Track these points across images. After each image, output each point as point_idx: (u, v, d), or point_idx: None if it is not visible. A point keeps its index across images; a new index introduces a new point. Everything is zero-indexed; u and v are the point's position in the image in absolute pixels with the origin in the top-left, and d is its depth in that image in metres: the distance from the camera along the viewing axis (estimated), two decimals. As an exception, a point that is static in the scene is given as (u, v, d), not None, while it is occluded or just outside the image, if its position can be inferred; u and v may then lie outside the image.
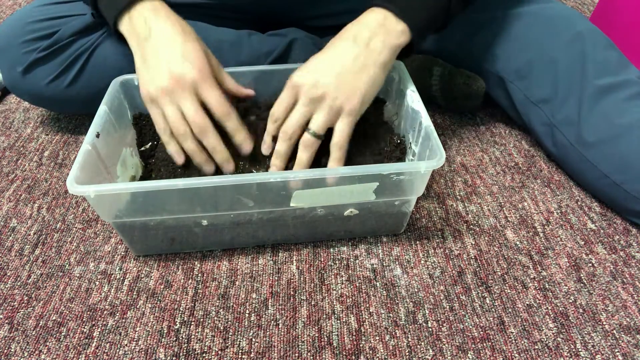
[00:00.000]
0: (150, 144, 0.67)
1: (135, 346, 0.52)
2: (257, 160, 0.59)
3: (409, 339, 0.52)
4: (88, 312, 0.55)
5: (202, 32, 0.73)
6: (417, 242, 0.62)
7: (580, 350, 0.52)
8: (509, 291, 0.57)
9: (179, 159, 0.56)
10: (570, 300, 0.56)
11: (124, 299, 0.56)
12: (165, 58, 0.52)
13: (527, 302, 0.56)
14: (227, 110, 0.53)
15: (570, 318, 0.54)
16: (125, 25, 0.56)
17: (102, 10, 0.59)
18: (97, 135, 0.55)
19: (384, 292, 0.57)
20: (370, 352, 0.51)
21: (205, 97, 0.52)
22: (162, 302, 0.56)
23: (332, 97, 0.52)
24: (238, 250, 0.61)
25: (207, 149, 0.54)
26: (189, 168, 0.57)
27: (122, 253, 0.61)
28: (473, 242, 0.62)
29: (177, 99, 0.52)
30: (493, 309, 0.55)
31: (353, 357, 0.51)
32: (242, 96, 0.59)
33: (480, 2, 0.76)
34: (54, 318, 0.55)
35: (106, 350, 0.52)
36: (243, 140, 0.56)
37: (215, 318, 0.54)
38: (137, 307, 0.56)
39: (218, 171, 0.57)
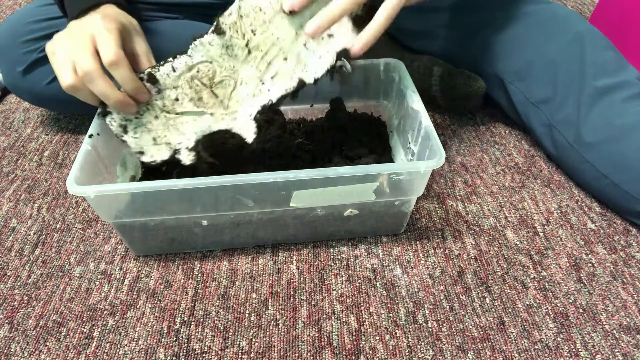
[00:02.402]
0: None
1: (135, 346, 0.52)
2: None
3: (409, 339, 0.52)
4: (88, 312, 0.55)
5: (201, 31, 0.73)
6: (417, 242, 0.62)
7: (580, 350, 0.52)
8: (509, 291, 0.57)
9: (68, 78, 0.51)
10: (570, 300, 0.56)
11: (124, 299, 0.56)
12: (81, 21, 0.52)
13: (527, 302, 0.56)
14: (116, 59, 0.49)
15: (570, 318, 0.54)
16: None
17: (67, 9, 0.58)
18: (90, 136, 0.55)
19: (384, 292, 0.57)
20: (370, 352, 0.51)
21: (99, 43, 0.49)
22: (162, 302, 0.56)
23: None
24: (238, 250, 0.61)
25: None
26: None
27: (122, 253, 0.61)
28: (473, 242, 0.62)
29: (71, 45, 0.50)
30: (493, 309, 0.55)
31: (353, 357, 0.51)
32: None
33: (481, 2, 0.76)
34: (54, 318, 0.55)
35: (106, 350, 0.52)
36: (135, 89, 0.51)
37: (215, 318, 0.54)
38: (137, 307, 0.56)
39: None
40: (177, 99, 0.53)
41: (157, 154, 0.54)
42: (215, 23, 0.51)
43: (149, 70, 0.52)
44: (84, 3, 0.54)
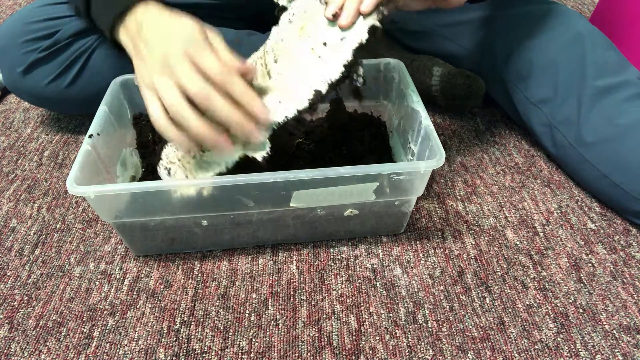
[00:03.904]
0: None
1: (135, 346, 0.52)
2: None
3: (409, 339, 0.52)
4: (88, 312, 0.55)
5: None
6: (417, 242, 0.62)
7: (580, 350, 0.52)
8: (509, 291, 0.57)
9: (184, 143, 0.47)
10: (570, 300, 0.56)
11: (124, 299, 0.56)
12: (155, 39, 0.47)
13: (527, 302, 0.56)
14: (226, 72, 0.45)
15: (570, 318, 0.54)
16: (122, 34, 0.53)
17: (96, 21, 0.57)
18: (90, 136, 0.55)
19: (384, 292, 0.57)
20: (370, 352, 0.51)
21: (199, 62, 0.45)
22: (162, 302, 0.56)
23: None
24: (238, 250, 0.61)
25: (220, 119, 0.46)
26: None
27: (122, 253, 0.61)
28: (473, 242, 0.62)
29: (172, 74, 0.45)
30: (493, 309, 0.55)
31: (353, 357, 0.51)
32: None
33: (481, 2, 0.76)
34: (54, 318, 0.55)
35: (106, 350, 0.52)
36: (256, 105, 0.46)
37: (215, 318, 0.54)
38: (137, 307, 0.56)
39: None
40: None
41: (185, 190, 0.54)
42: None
43: None
44: (118, 6, 0.51)
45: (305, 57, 0.51)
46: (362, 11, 0.48)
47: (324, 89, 0.50)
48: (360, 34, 0.49)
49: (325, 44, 0.50)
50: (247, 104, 0.46)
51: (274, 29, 0.53)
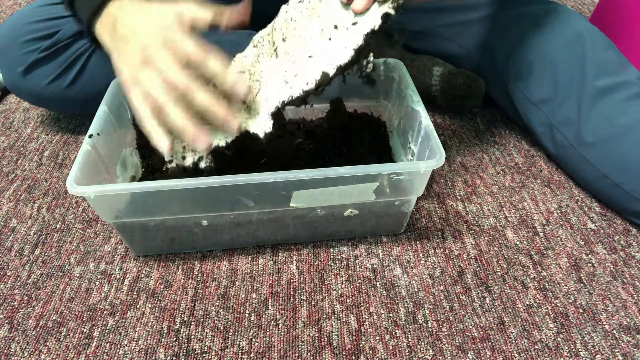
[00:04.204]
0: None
1: (135, 346, 0.52)
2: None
3: (409, 339, 0.52)
4: (88, 312, 0.55)
5: (205, 32, 0.73)
6: (417, 242, 0.62)
7: (580, 350, 0.52)
8: (509, 291, 0.57)
9: (165, 147, 0.47)
10: (570, 300, 0.56)
11: (124, 299, 0.56)
12: (132, 35, 0.47)
13: (527, 302, 0.56)
14: (201, 54, 0.45)
15: (570, 318, 0.54)
16: (99, 31, 0.52)
17: (78, 15, 0.56)
18: (90, 136, 0.55)
19: (384, 292, 0.57)
20: (370, 352, 0.51)
21: (177, 50, 0.46)
22: (162, 302, 0.56)
23: None
24: (238, 250, 0.61)
25: (202, 106, 0.47)
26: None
27: (122, 253, 0.61)
28: (473, 242, 0.62)
29: (157, 69, 0.46)
30: (493, 309, 0.55)
31: (353, 357, 0.51)
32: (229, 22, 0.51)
33: (481, 2, 0.76)
34: (54, 318, 0.55)
35: (106, 350, 0.52)
36: (233, 81, 0.47)
37: (215, 318, 0.54)
38: (137, 307, 0.56)
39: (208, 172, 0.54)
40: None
41: (183, 161, 0.56)
42: (252, 40, 0.55)
43: None
44: (92, 2, 0.51)
45: (315, 38, 0.50)
46: None
47: (331, 71, 0.49)
48: (373, 19, 0.48)
49: (336, 26, 0.50)
50: (217, 76, 0.47)
51: (284, 7, 0.53)
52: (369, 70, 0.50)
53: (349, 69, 0.49)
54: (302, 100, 0.50)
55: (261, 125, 0.52)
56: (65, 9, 0.57)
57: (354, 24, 0.49)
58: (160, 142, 0.47)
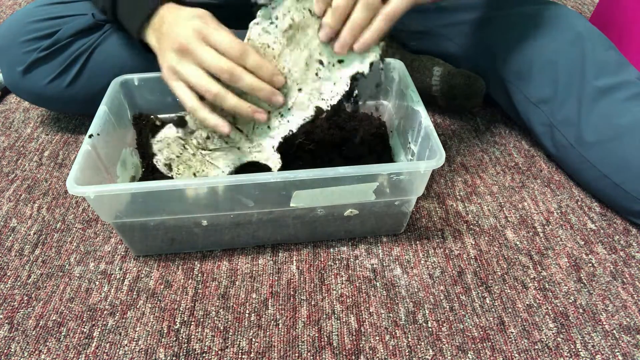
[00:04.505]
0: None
1: (135, 346, 0.52)
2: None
3: (409, 339, 0.52)
4: (88, 312, 0.55)
5: None
6: (417, 242, 0.62)
7: (580, 350, 0.52)
8: (509, 291, 0.57)
9: (225, 128, 0.49)
10: (570, 300, 0.56)
11: (124, 299, 0.56)
12: (173, 29, 0.50)
13: (527, 302, 0.56)
14: (241, 48, 0.47)
15: (570, 318, 0.54)
16: (149, 35, 0.55)
17: (122, 23, 0.59)
18: (90, 136, 0.55)
19: (384, 292, 0.57)
20: (370, 352, 0.51)
21: (214, 42, 0.47)
22: (162, 302, 0.56)
23: None
24: (238, 250, 0.61)
25: (247, 90, 0.48)
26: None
27: (122, 253, 0.61)
28: (473, 242, 0.62)
29: (193, 58, 0.48)
30: (493, 309, 0.55)
31: (353, 357, 0.51)
32: None
33: (481, 2, 0.76)
34: (54, 318, 0.55)
35: (106, 350, 0.52)
36: (271, 73, 0.48)
37: (215, 318, 0.54)
38: (137, 307, 0.56)
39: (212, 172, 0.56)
40: (208, 137, 0.55)
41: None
42: None
43: (181, 114, 0.57)
44: (145, 9, 0.53)
45: (300, 71, 0.51)
46: (355, 49, 0.48)
47: (325, 107, 0.52)
48: (359, 64, 0.49)
49: (321, 62, 0.50)
50: (259, 70, 0.48)
51: (254, 27, 0.50)
52: (357, 100, 0.52)
53: (341, 102, 0.52)
54: (298, 132, 0.53)
55: (271, 159, 0.54)
56: (108, 18, 0.60)
57: (340, 61, 0.50)
58: (219, 126, 0.49)
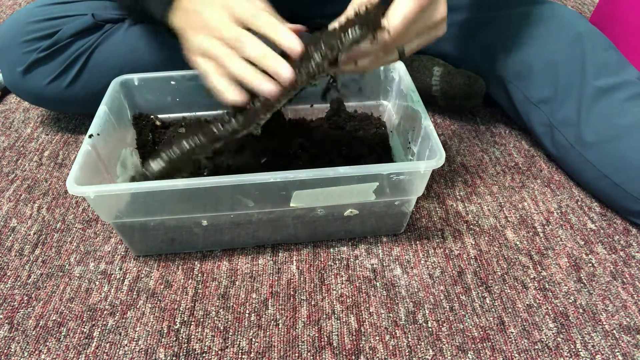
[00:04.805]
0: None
1: (135, 346, 0.52)
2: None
3: (409, 339, 0.52)
4: (88, 312, 0.55)
5: None
6: (417, 242, 0.62)
7: (580, 350, 0.52)
8: (509, 291, 0.57)
9: (234, 94, 0.46)
10: (570, 300, 0.56)
11: (124, 299, 0.56)
12: (199, 6, 0.49)
13: (527, 302, 0.56)
14: (254, 12, 0.46)
15: (570, 318, 0.54)
16: (175, 18, 0.53)
17: (147, 8, 0.57)
18: (90, 136, 0.55)
19: (384, 292, 0.57)
20: (370, 352, 0.51)
21: (233, 10, 0.46)
22: (162, 302, 0.56)
23: None
24: (238, 250, 0.61)
25: (255, 59, 0.46)
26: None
27: (122, 253, 0.61)
28: (473, 242, 0.62)
29: (210, 30, 0.47)
30: (493, 309, 0.55)
31: (353, 357, 0.51)
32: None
33: (481, 2, 0.76)
34: (54, 318, 0.55)
35: (106, 350, 0.52)
36: (281, 35, 0.45)
37: (215, 318, 0.54)
38: (137, 307, 0.56)
39: (217, 172, 0.55)
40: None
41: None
42: None
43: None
44: None
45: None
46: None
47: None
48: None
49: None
50: (272, 32, 0.45)
51: None
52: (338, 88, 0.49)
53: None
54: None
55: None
56: (130, 5, 0.59)
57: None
58: (230, 95, 0.46)
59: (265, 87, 0.45)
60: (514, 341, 0.52)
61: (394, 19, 0.44)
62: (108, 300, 0.56)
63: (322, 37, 0.45)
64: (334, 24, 0.46)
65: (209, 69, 0.48)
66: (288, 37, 0.45)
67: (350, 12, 0.46)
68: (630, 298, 0.56)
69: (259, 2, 0.48)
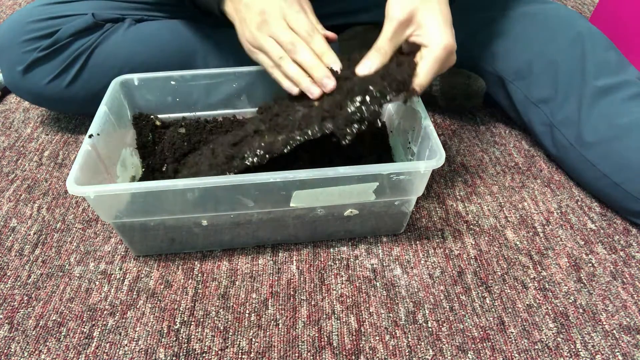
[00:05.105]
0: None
1: (135, 346, 0.52)
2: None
3: (409, 339, 0.52)
4: (88, 312, 0.55)
5: (205, 33, 0.73)
6: (417, 242, 0.62)
7: (580, 350, 0.52)
8: (509, 291, 0.57)
9: (293, 88, 0.55)
10: (570, 300, 0.56)
11: (124, 299, 0.56)
12: (254, 2, 0.55)
13: (527, 302, 0.56)
14: (309, 31, 0.54)
15: (570, 318, 0.54)
16: (228, 6, 0.59)
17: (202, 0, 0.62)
18: (90, 136, 0.55)
19: (384, 292, 0.57)
20: (370, 352, 0.51)
21: (290, 21, 0.54)
22: (162, 302, 0.56)
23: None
24: (238, 250, 0.61)
25: (305, 68, 0.54)
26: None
27: (122, 253, 0.61)
28: (473, 242, 0.62)
29: (269, 31, 0.54)
30: (493, 309, 0.55)
31: (353, 357, 0.51)
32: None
33: (481, 2, 0.76)
34: (54, 318, 0.55)
35: (106, 350, 0.52)
36: (329, 58, 0.54)
37: (215, 318, 0.54)
38: (137, 307, 0.56)
39: (223, 168, 0.55)
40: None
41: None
42: None
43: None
44: None
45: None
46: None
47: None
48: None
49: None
50: (323, 56, 0.54)
51: None
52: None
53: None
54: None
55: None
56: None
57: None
58: (288, 88, 0.56)
59: (314, 90, 0.53)
60: (514, 341, 0.52)
61: (419, 79, 0.52)
62: (108, 300, 0.56)
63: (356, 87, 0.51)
64: (365, 67, 0.53)
65: (266, 63, 0.56)
66: (325, 73, 0.53)
67: (381, 54, 0.53)
68: (630, 298, 0.56)
69: (311, 14, 0.57)
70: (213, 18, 0.62)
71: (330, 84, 0.53)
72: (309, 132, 0.51)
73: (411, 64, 0.52)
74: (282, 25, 0.54)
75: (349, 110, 0.50)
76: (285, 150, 0.51)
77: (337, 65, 0.54)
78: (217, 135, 0.66)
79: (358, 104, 0.50)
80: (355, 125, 0.50)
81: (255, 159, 0.52)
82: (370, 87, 0.50)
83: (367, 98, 0.49)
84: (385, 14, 0.53)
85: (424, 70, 0.52)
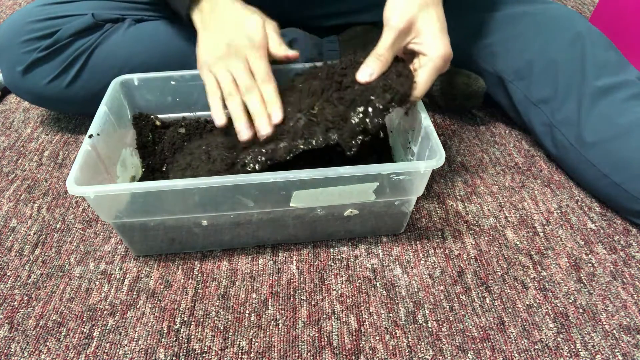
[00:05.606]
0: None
1: (135, 346, 0.52)
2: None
3: (409, 339, 0.52)
4: (88, 312, 0.55)
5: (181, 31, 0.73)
6: (417, 242, 0.62)
7: (580, 350, 0.52)
8: (509, 291, 0.57)
9: (220, 120, 0.56)
10: (570, 300, 0.56)
11: (124, 299, 0.56)
12: (224, 27, 0.57)
13: (527, 302, 0.56)
14: (266, 78, 0.56)
15: (570, 318, 0.54)
16: (195, 15, 0.60)
17: (172, 3, 0.63)
18: (90, 136, 0.55)
19: (384, 292, 0.57)
20: (370, 352, 0.51)
21: (252, 64, 0.56)
22: (162, 302, 0.56)
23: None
24: (238, 250, 0.61)
25: (250, 110, 0.55)
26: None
27: (122, 253, 0.61)
28: (473, 242, 0.62)
29: (229, 65, 0.56)
30: (493, 309, 0.55)
31: (353, 357, 0.51)
32: (282, 57, 0.59)
33: (480, 2, 0.76)
34: (54, 318, 0.55)
35: (106, 350, 0.52)
36: (275, 108, 0.55)
37: (215, 318, 0.54)
38: (137, 307, 0.56)
39: (217, 170, 0.55)
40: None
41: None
42: None
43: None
44: None
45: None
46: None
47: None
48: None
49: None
50: (268, 104, 0.55)
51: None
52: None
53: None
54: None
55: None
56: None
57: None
58: (217, 118, 0.57)
59: (245, 133, 0.54)
60: (514, 341, 0.52)
61: (419, 89, 0.54)
62: (108, 300, 0.56)
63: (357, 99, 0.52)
64: (366, 74, 0.53)
65: (211, 89, 0.57)
66: (277, 113, 0.55)
67: (381, 60, 0.53)
68: (630, 298, 0.56)
69: (267, 62, 0.57)
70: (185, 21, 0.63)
71: (267, 130, 0.54)
72: (313, 142, 0.52)
73: (410, 75, 0.54)
74: (242, 66, 0.55)
75: (353, 122, 0.51)
76: (287, 158, 0.52)
77: (278, 117, 0.54)
78: (207, 135, 0.66)
79: (361, 115, 0.51)
80: (360, 137, 0.51)
81: (257, 166, 0.53)
82: (372, 98, 0.51)
83: (370, 110, 0.50)
84: (383, 19, 0.54)
85: (424, 80, 0.54)
